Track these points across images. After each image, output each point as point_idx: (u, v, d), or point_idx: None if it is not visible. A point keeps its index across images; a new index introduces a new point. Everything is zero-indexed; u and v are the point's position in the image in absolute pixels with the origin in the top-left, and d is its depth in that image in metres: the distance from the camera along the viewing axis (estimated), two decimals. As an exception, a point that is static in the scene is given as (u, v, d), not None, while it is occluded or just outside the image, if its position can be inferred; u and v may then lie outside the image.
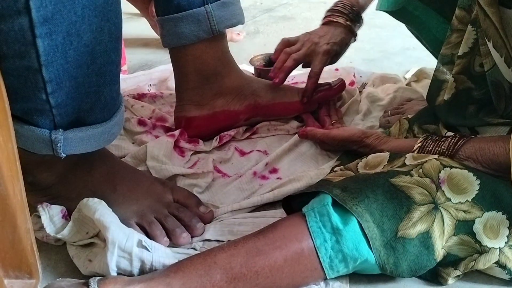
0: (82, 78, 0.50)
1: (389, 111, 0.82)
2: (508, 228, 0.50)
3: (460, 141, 0.56)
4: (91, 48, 0.49)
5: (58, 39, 0.46)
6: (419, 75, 0.96)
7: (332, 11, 0.83)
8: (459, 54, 0.57)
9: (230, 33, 1.14)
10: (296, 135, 0.77)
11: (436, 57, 0.79)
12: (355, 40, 0.84)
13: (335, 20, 0.81)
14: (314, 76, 0.79)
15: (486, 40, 0.50)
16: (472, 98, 0.58)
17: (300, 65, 0.82)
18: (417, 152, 0.58)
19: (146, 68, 1.04)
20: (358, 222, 0.48)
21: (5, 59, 0.47)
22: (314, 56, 0.79)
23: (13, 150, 0.47)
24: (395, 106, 0.83)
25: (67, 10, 0.45)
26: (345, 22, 0.81)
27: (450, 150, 0.56)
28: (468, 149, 0.55)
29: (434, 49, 0.73)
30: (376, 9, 0.76)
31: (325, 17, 0.84)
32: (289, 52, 0.80)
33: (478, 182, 0.51)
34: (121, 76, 0.61)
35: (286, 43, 0.83)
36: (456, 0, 0.59)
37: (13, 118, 0.47)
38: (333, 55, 0.80)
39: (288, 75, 0.80)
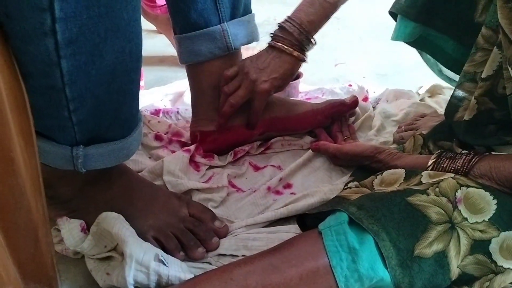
0: (103, 96, 0.52)
1: (403, 127, 0.82)
2: None
3: (474, 159, 0.55)
4: (113, 68, 0.50)
5: (82, 59, 0.48)
6: (432, 91, 0.96)
7: (277, 33, 0.73)
8: (482, 76, 0.56)
9: (252, 49, 1.16)
10: (310, 150, 0.77)
11: (447, 81, 0.80)
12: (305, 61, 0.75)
13: (278, 46, 0.72)
14: (254, 114, 0.76)
15: (509, 68, 0.50)
16: (493, 118, 0.57)
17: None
18: (431, 169, 0.58)
19: (162, 84, 1.05)
20: (374, 240, 0.48)
21: (31, 78, 0.48)
22: (254, 96, 0.73)
23: (36, 166, 0.48)
24: (409, 122, 0.83)
25: (90, 32, 0.46)
26: (290, 49, 0.71)
27: (465, 167, 0.55)
28: (483, 167, 0.55)
29: (450, 68, 0.73)
30: (392, 39, 0.72)
31: (272, 38, 0.74)
32: (227, 92, 0.74)
33: (495, 201, 0.50)
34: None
35: (227, 79, 0.75)
36: (474, 26, 0.59)
37: (35, 134, 0.49)
38: (276, 90, 0.75)
39: (228, 118, 0.76)
